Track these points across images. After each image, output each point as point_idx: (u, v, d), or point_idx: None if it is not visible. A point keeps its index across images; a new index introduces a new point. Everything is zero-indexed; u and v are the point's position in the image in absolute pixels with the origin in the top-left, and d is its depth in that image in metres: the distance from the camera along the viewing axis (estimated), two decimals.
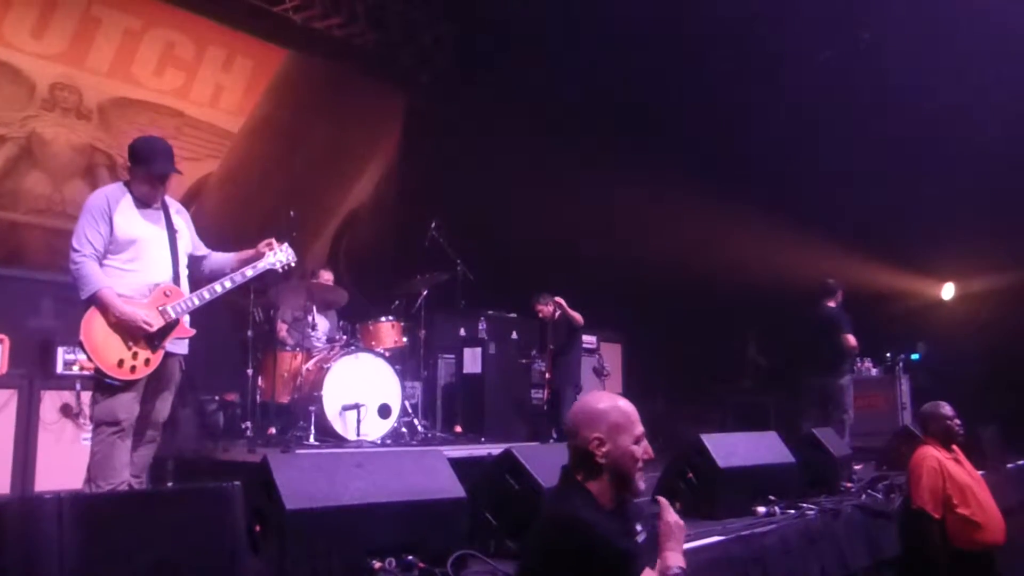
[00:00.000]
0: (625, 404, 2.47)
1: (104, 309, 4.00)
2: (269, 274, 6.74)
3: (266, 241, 4.64)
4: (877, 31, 9.66)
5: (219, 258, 4.65)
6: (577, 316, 8.10)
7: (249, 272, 4.51)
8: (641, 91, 10.44)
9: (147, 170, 4.19)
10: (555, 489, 2.54)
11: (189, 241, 4.49)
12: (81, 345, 3.99)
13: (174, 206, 4.46)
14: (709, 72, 10.17)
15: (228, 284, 4.40)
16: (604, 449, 2.37)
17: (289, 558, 2.84)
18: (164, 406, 4.29)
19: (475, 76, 10.90)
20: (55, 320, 6.21)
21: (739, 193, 9.86)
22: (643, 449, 2.43)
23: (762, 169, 10.58)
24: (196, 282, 4.49)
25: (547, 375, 8.28)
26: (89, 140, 8.34)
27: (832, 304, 8.36)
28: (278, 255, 4.60)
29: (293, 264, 4.70)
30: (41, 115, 8.05)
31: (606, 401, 2.47)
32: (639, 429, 2.43)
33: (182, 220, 4.47)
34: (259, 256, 4.58)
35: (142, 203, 4.26)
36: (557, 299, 8.16)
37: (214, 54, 9.51)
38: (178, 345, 4.29)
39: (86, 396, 5.46)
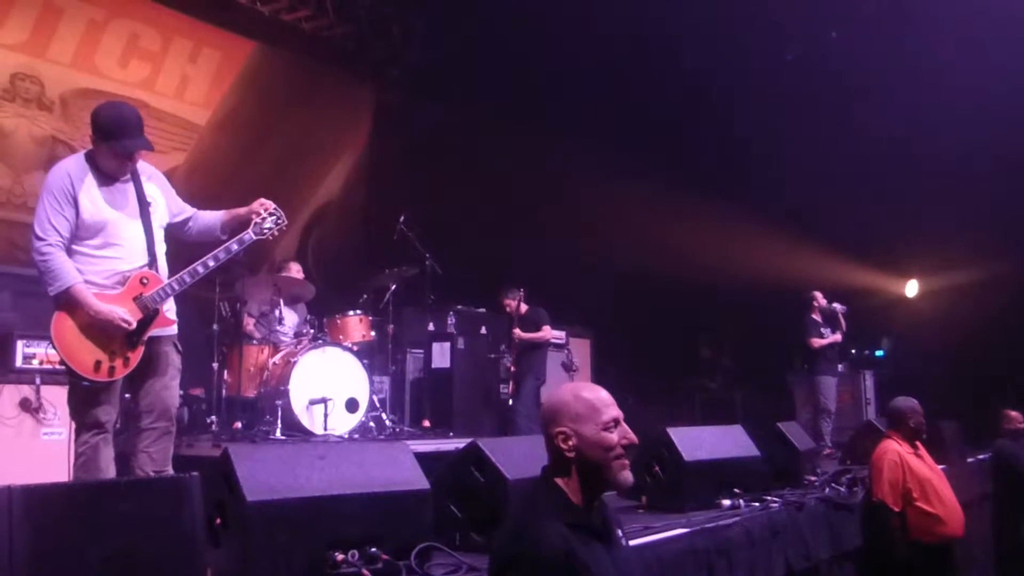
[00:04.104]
0: (589, 392, 2.35)
1: (76, 307, 3.60)
2: (235, 268, 6.75)
3: (261, 201, 4.13)
4: (843, 30, 9.76)
5: (207, 219, 4.19)
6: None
7: (235, 247, 4.00)
8: (609, 89, 10.48)
9: (113, 147, 3.71)
10: (524, 495, 2.43)
11: (165, 211, 4.01)
12: (53, 346, 3.64)
13: (145, 172, 3.95)
14: (677, 72, 10.24)
15: (211, 263, 3.93)
16: (571, 443, 2.26)
17: (250, 551, 2.79)
18: (168, 394, 3.87)
19: (444, 70, 10.86)
20: (14, 313, 6.10)
21: (708, 192, 9.95)
22: (620, 434, 2.28)
23: (730, 168, 10.67)
24: (188, 247, 4.11)
25: (512, 368, 8.28)
26: (51, 131, 8.18)
27: (812, 311, 8.87)
28: (267, 222, 4.08)
29: (285, 226, 4.17)
30: (1, 106, 7.88)
31: (568, 392, 2.36)
32: (608, 415, 2.29)
33: (155, 187, 3.98)
34: (251, 217, 4.09)
35: (109, 178, 3.78)
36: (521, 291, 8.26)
37: (180, 45, 9.37)
38: (164, 329, 3.89)
39: (46, 391, 5.36)
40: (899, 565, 5.00)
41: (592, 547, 2.22)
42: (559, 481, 2.29)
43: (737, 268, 10.24)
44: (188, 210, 4.19)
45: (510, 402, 8.31)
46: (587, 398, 2.33)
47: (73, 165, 3.77)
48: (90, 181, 3.74)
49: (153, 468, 3.80)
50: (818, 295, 8.87)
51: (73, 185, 3.68)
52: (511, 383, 8.34)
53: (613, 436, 2.28)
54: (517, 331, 8.16)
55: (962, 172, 9.43)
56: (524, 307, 8.27)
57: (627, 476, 2.30)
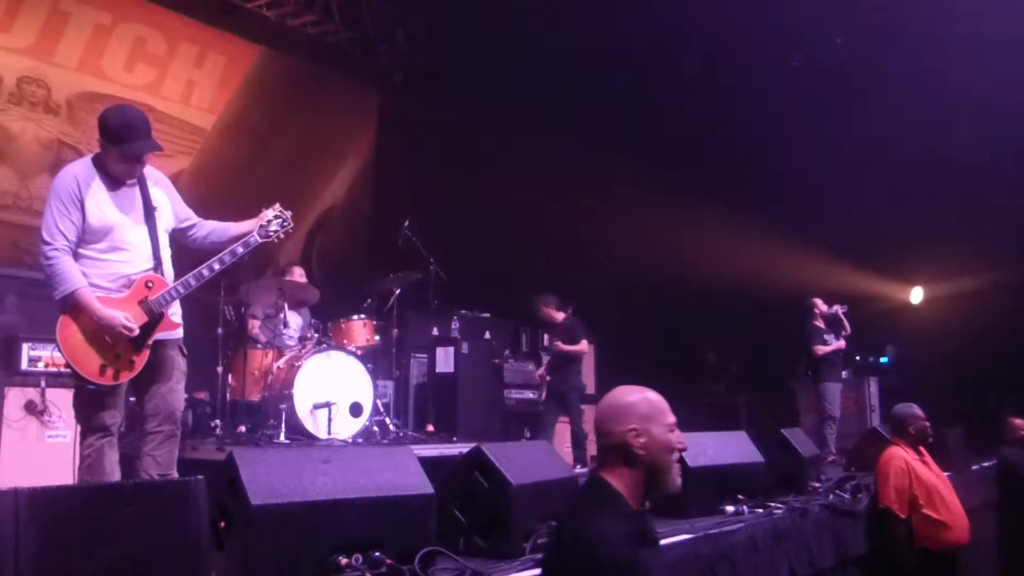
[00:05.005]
0: (653, 394, 2.39)
1: (81, 311, 3.62)
2: (240, 271, 6.76)
3: (273, 207, 4.18)
4: (847, 37, 9.76)
5: (215, 227, 4.20)
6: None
7: (240, 249, 4.02)
8: (611, 93, 10.48)
9: (122, 150, 3.71)
10: (578, 496, 2.41)
11: (170, 216, 4.03)
12: (58, 349, 3.66)
13: (152, 176, 3.96)
14: (681, 77, 10.23)
15: (217, 266, 3.95)
16: (642, 440, 2.27)
17: (254, 555, 2.80)
18: (173, 397, 3.89)
19: (449, 75, 10.88)
20: (20, 316, 6.10)
21: (712, 196, 9.93)
22: (677, 438, 2.33)
23: (735, 173, 10.66)
24: (191, 252, 4.13)
25: (547, 378, 8.20)
26: (57, 135, 8.23)
27: (814, 318, 8.86)
28: (272, 224, 4.12)
29: (291, 229, 4.22)
30: (8, 109, 7.93)
31: (633, 394, 2.38)
32: (671, 418, 2.34)
33: (161, 192, 3.99)
34: (256, 223, 4.12)
35: (116, 182, 3.79)
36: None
37: (186, 50, 9.41)
38: (170, 332, 3.90)
39: (51, 393, 5.37)
40: (905, 571, 4.99)
41: (650, 552, 2.25)
42: (616, 484, 2.28)
43: (741, 273, 10.22)
44: (193, 217, 4.20)
45: (540, 407, 8.29)
46: (653, 399, 2.37)
47: (80, 169, 3.78)
48: (97, 185, 3.76)
49: (158, 471, 3.81)
50: (818, 301, 8.85)
51: (80, 189, 3.69)
52: (544, 392, 8.30)
53: (675, 438, 2.33)
54: (559, 343, 8.01)
55: (967, 177, 9.41)
56: (560, 316, 8.14)
57: (679, 481, 2.35)
